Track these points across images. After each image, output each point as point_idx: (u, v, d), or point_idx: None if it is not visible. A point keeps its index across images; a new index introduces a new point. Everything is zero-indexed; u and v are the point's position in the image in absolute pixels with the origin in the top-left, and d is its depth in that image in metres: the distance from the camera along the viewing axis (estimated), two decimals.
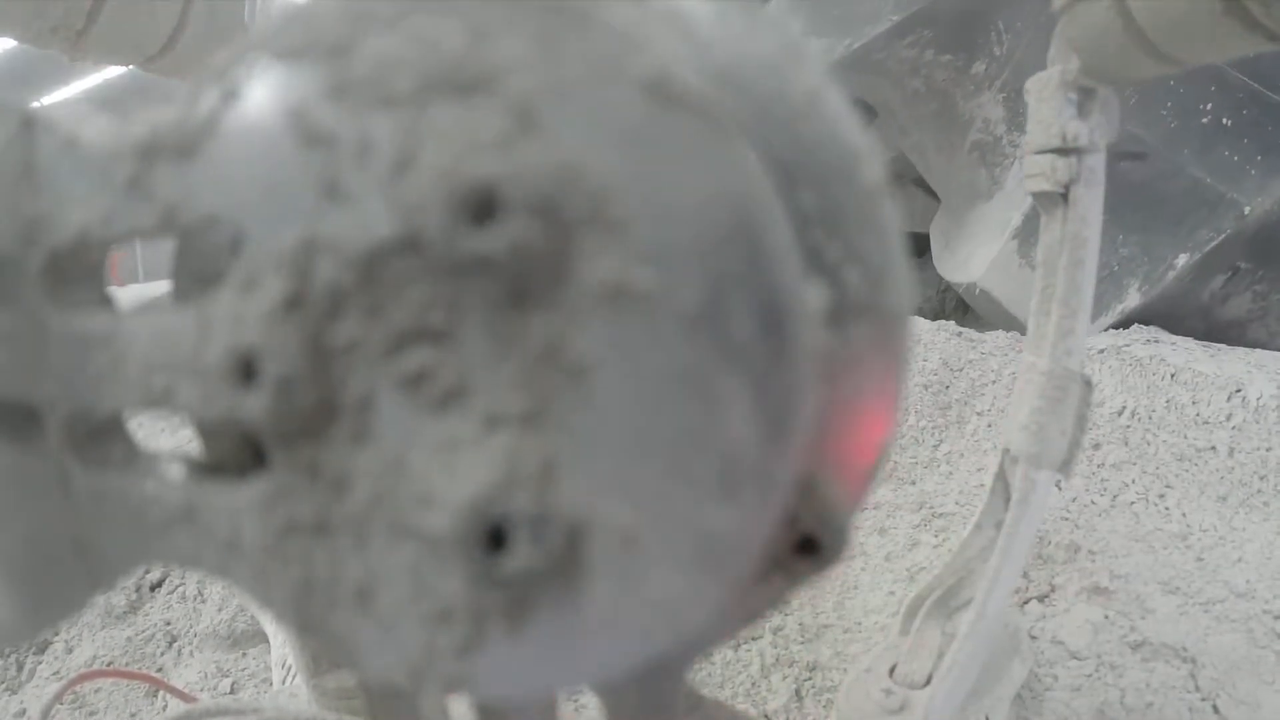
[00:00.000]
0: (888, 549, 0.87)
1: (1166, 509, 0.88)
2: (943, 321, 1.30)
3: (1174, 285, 1.20)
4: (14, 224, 0.17)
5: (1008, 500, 0.57)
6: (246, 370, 0.14)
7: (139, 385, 0.16)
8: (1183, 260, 1.18)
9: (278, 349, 0.14)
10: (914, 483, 0.99)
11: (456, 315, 0.13)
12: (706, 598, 0.14)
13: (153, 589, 1.03)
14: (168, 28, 0.57)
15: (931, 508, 0.92)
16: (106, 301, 0.17)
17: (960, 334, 1.24)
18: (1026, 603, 0.78)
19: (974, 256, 1.39)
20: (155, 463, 0.17)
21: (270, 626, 0.72)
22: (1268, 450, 0.91)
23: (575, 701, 0.63)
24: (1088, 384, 0.53)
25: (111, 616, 1.00)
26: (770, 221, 0.14)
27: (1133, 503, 0.89)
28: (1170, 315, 1.25)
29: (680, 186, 0.13)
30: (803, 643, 0.77)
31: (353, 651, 0.15)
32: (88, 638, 0.98)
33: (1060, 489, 0.91)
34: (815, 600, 0.81)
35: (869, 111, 1.59)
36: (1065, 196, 0.53)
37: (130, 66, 0.60)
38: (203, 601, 0.99)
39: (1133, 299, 1.22)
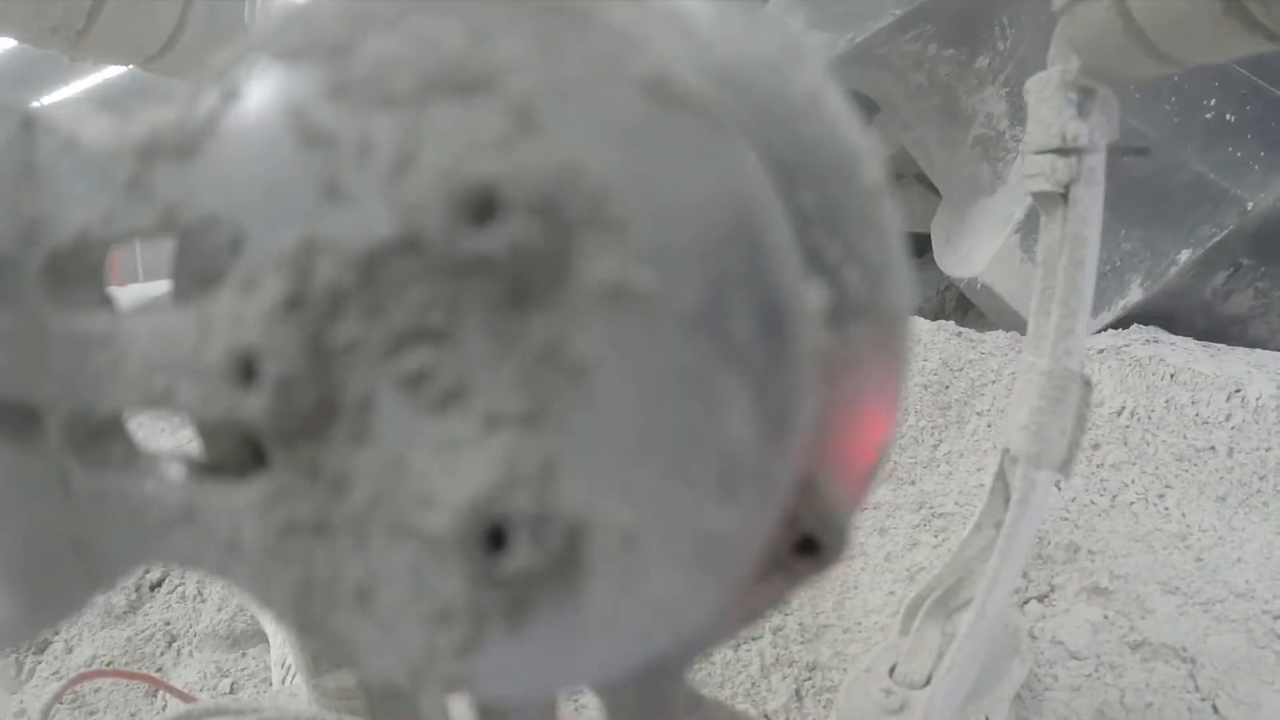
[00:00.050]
0: (888, 549, 0.87)
1: (1166, 509, 0.88)
2: (943, 321, 1.30)
3: (1176, 281, 1.20)
4: (14, 224, 0.17)
5: (1007, 500, 0.57)
6: (246, 370, 0.14)
7: (139, 385, 0.16)
8: (1185, 256, 1.18)
9: (278, 349, 0.14)
10: (914, 483, 0.99)
11: (456, 315, 0.13)
12: (706, 598, 0.14)
13: (152, 589, 1.03)
14: (168, 28, 0.57)
15: (931, 508, 0.92)
16: (106, 301, 0.17)
17: (960, 334, 1.24)
18: (1026, 603, 0.78)
19: (976, 251, 1.38)
20: (155, 463, 0.17)
21: (270, 626, 0.72)
22: (1267, 450, 0.91)
23: (575, 701, 0.63)
24: (1087, 384, 0.53)
25: (111, 616, 1.00)
26: (770, 221, 0.14)
27: (1132, 503, 0.89)
28: (1172, 311, 1.24)
29: (680, 186, 0.13)
30: (803, 643, 0.77)
31: (353, 651, 0.15)
32: (87, 637, 0.98)
33: (1060, 489, 0.91)
34: (815, 600, 0.81)
35: (871, 106, 1.59)
36: (1065, 196, 0.53)
37: (130, 66, 0.60)
38: (202, 601, 0.99)
39: (1135, 294, 1.21)
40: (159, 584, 1.03)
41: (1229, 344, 1.20)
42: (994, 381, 1.12)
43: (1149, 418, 0.99)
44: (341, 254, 0.13)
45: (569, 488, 0.13)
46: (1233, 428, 0.94)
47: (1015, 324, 1.30)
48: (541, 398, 0.13)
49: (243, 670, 0.89)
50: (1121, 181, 1.16)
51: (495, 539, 0.13)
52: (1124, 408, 1.01)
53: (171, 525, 0.16)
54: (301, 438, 0.14)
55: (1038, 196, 0.54)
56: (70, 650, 0.97)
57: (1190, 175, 1.16)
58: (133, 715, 0.86)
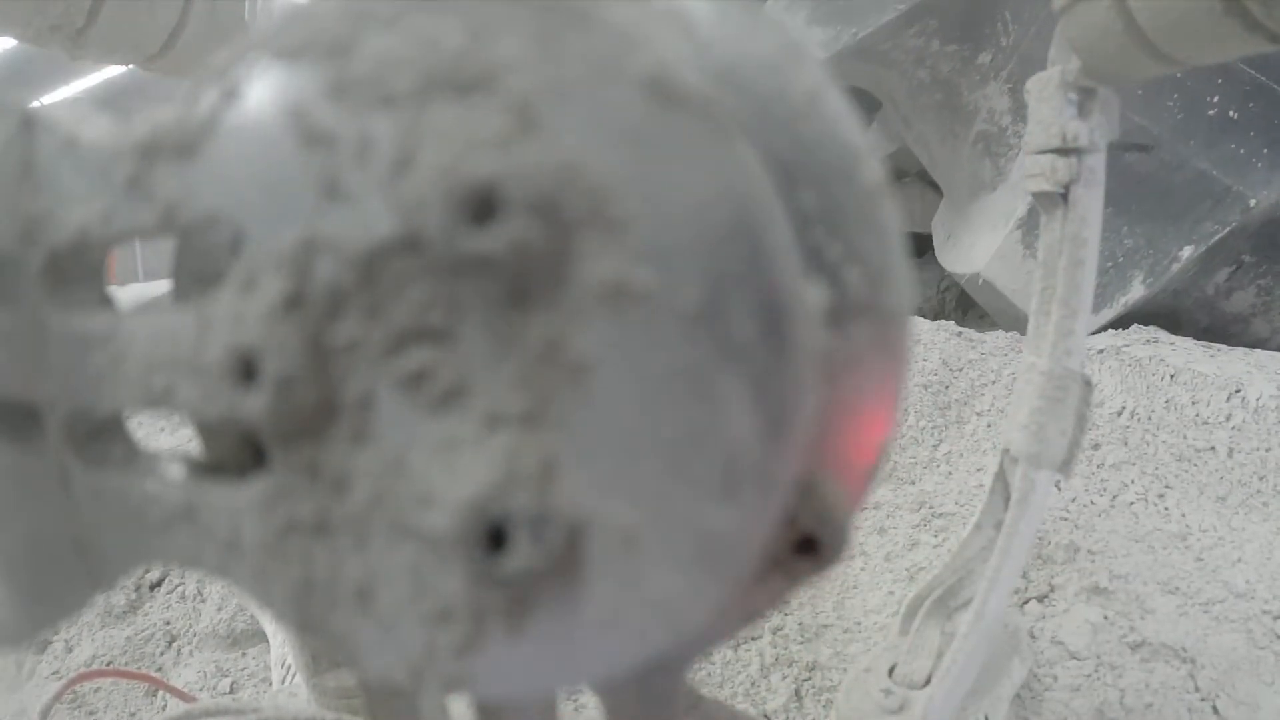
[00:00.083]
0: (887, 549, 0.87)
1: (1166, 509, 0.88)
2: (943, 321, 1.30)
3: (1178, 278, 1.20)
4: (14, 223, 0.17)
5: (1007, 500, 0.57)
6: (246, 370, 0.14)
7: (139, 385, 0.16)
8: (1187, 253, 1.18)
9: (278, 348, 0.14)
10: (914, 483, 0.99)
11: (456, 315, 0.13)
12: (706, 598, 0.14)
13: (152, 589, 1.03)
14: (168, 27, 0.57)
15: (931, 508, 0.92)
16: (106, 301, 0.17)
17: (960, 334, 1.24)
18: (1026, 603, 0.78)
19: (977, 247, 1.38)
20: (155, 462, 0.17)
21: (270, 626, 0.72)
22: (1267, 451, 0.91)
23: (575, 701, 0.63)
24: (1088, 384, 0.53)
25: (111, 616, 1.00)
26: (770, 221, 0.14)
27: (1132, 503, 0.89)
28: (1174, 308, 1.24)
29: (680, 186, 0.13)
30: (802, 643, 0.77)
31: (353, 651, 0.15)
32: (87, 637, 0.98)
33: (1060, 489, 0.91)
34: (815, 600, 0.81)
35: (873, 103, 1.58)
36: (1065, 197, 0.53)
37: (130, 66, 0.60)
38: (202, 601, 0.99)
39: (1137, 291, 1.21)
40: (159, 584, 1.03)
41: (1231, 341, 1.20)
42: (994, 381, 1.12)
43: (1149, 418, 0.99)
44: (341, 253, 0.13)
45: (569, 487, 0.13)
46: (1233, 428, 0.94)
47: (1016, 320, 1.29)
48: (541, 397, 0.13)
49: (243, 670, 0.89)
50: (1124, 178, 1.16)
51: (495, 539, 0.13)
52: (1124, 408, 1.01)
53: (171, 525, 0.16)
54: (301, 437, 0.14)
55: (1038, 197, 0.54)
56: (70, 650, 0.97)
57: (1193, 172, 1.16)
58: (132, 715, 0.86)
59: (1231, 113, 1.15)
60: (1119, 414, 1.01)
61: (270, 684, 0.76)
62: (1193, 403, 0.98)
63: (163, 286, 0.18)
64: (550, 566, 0.13)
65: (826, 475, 0.16)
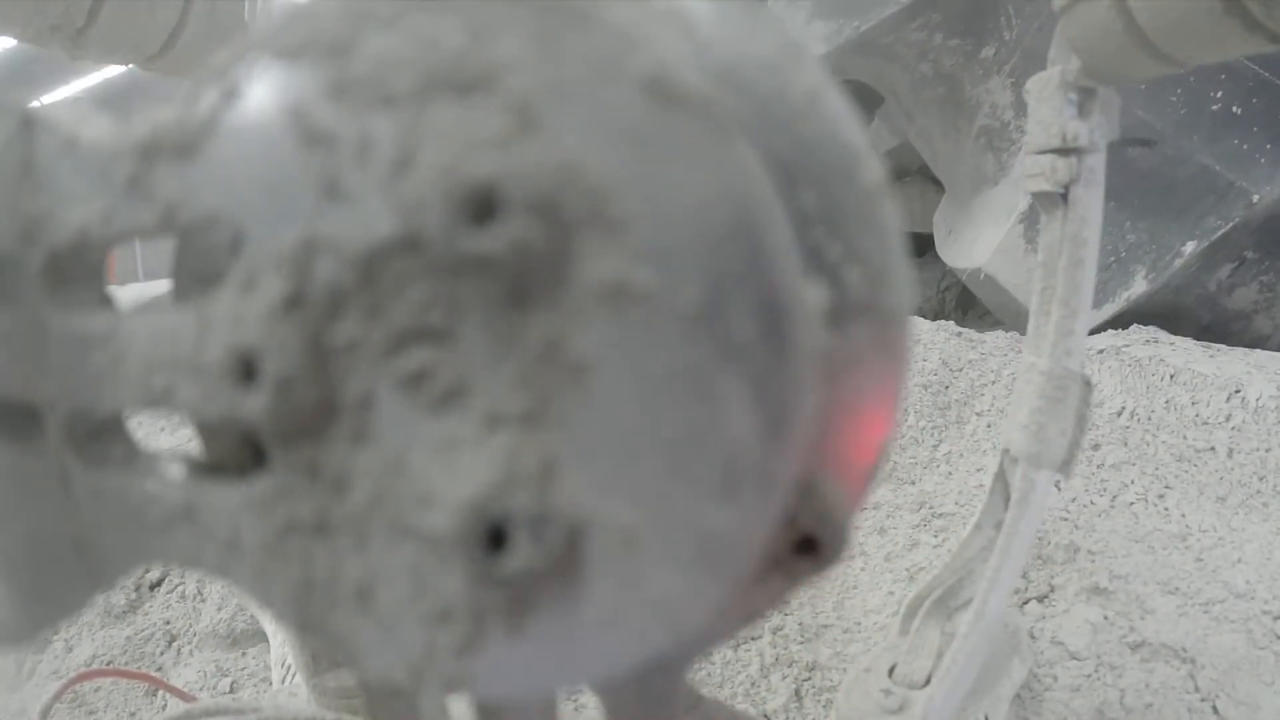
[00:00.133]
0: (887, 549, 0.87)
1: (1166, 509, 0.88)
2: (943, 321, 1.30)
3: (1181, 273, 1.20)
4: (14, 223, 0.17)
5: (1007, 500, 0.57)
6: (246, 370, 0.14)
7: (139, 385, 0.16)
8: (1190, 248, 1.17)
9: (277, 348, 0.14)
10: (914, 483, 0.99)
11: (456, 315, 0.13)
12: (706, 598, 0.14)
13: (152, 588, 1.03)
14: (168, 27, 0.57)
15: (931, 508, 0.92)
16: (106, 301, 0.17)
17: (960, 334, 1.24)
18: (1026, 603, 0.78)
19: (979, 242, 1.37)
20: (155, 462, 0.17)
21: (270, 626, 0.72)
22: (1267, 451, 0.91)
23: (575, 701, 0.63)
24: (1088, 384, 0.53)
25: (111, 616, 1.00)
26: (770, 221, 0.14)
27: (1132, 503, 0.89)
28: (1176, 305, 1.24)
29: (680, 186, 0.13)
30: (802, 643, 0.77)
31: (353, 651, 0.15)
32: (87, 637, 0.98)
33: (1060, 489, 0.91)
34: (815, 600, 0.81)
35: (875, 97, 1.58)
36: (1065, 197, 0.53)
37: (130, 65, 0.60)
38: (202, 601, 0.99)
39: (1139, 286, 1.21)
40: (159, 583, 1.03)
41: (1232, 338, 1.20)
42: (994, 381, 1.12)
43: (1149, 418, 0.99)
44: (341, 253, 0.13)
45: (569, 487, 0.13)
46: (1233, 428, 0.94)
47: (1018, 315, 1.29)
48: (541, 397, 0.13)
49: (242, 670, 0.89)
50: (1127, 173, 1.15)
51: (495, 539, 0.13)
52: (1124, 408, 1.01)
53: (171, 525, 0.16)
54: (301, 437, 0.14)
55: (1037, 197, 0.54)
56: (70, 649, 0.97)
57: (1196, 167, 1.16)
58: (132, 715, 0.86)
59: (1235, 108, 1.15)
60: (1119, 414, 1.01)
61: (270, 684, 0.76)
62: (1192, 403, 0.98)
63: (163, 286, 0.18)
64: (550, 566, 0.13)
65: (826, 475, 0.16)
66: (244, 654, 0.92)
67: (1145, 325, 1.20)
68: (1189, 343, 1.14)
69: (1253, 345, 1.17)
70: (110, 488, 0.17)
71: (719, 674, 0.75)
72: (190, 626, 0.97)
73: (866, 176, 0.17)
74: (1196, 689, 0.68)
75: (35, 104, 0.18)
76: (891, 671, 0.60)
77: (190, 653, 0.94)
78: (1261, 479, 0.89)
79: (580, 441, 0.13)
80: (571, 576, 0.13)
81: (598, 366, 0.13)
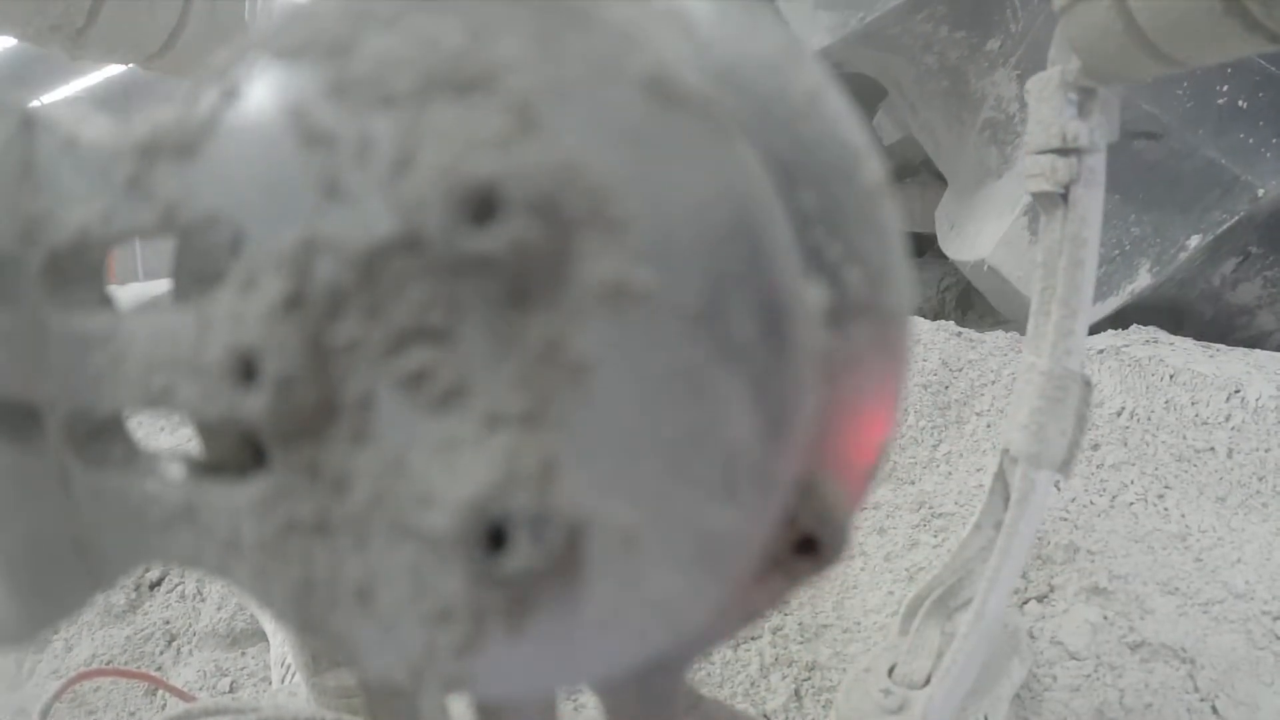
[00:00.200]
0: (887, 549, 0.87)
1: (1165, 510, 0.88)
2: (943, 321, 1.30)
3: (1185, 267, 1.19)
4: (14, 223, 0.17)
5: (1007, 500, 0.57)
6: (246, 370, 0.14)
7: (139, 385, 0.16)
8: (1195, 242, 1.17)
9: (277, 348, 0.14)
10: (913, 483, 0.99)
11: (456, 315, 0.13)
12: (706, 597, 0.14)
13: (152, 588, 1.03)
14: (168, 26, 0.57)
15: (931, 508, 0.92)
16: (106, 301, 0.17)
17: (960, 334, 1.24)
18: (1026, 603, 0.78)
19: (982, 234, 1.37)
20: (155, 462, 0.17)
21: (269, 625, 0.72)
22: (1266, 451, 0.91)
23: (575, 701, 0.63)
24: (1087, 384, 0.53)
25: (111, 615, 1.00)
26: (770, 221, 0.14)
27: (1132, 503, 0.89)
28: (1179, 299, 1.24)
29: (680, 186, 0.13)
30: (802, 642, 0.77)
31: (353, 651, 0.15)
32: (87, 636, 0.98)
33: (1059, 489, 0.91)
34: (815, 600, 0.81)
35: (877, 92, 1.57)
36: (1065, 197, 0.53)
37: (130, 65, 0.60)
38: (202, 600, 0.99)
39: (1144, 279, 1.20)
40: (159, 583, 1.03)
41: (1236, 333, 1.20)
42: (994, 381, 1.12)
43: (1149, 418, 0.99)
44: (341, 253, 0.13)
45: (569, 487, 0.13)
46: (1232, 428, 0.94)
47: (1021, 308, 1.28)
48: (541, 397, 0.13)
49: (242, 669, 0.89)
50: (1133, 165, 1.15)
51: (495, 539, 0.13)
52: (1124, 408, 1.01)
53: (171, 524, 0.16)
54: (301, 437, 0.14)
55: (1038, 197, 0.54)
56: (70, 649, 0.97)
57: (1201, 161, 1.15)
58: (132, 714, 0.86)
59: (1241, 102, 1.14)
60: (1119, 414, 1.01)
61: (270, 684, 0.76)
62: (1192, 403, 0.99)
63: (163, 286, 0.18)
64: (550, 566, 0.13)
65: (826, 475, 0.16)
66: (244, 654, 0.92)
67: (1145, 325, 1.20)
68: (1189, 343, 1.14)
69: (1256, 341, 1.17)
70: (110, 487, 0.17)
71: (719, 674, 0.75)
72: (190, 626, 0.97)
73: (867, 176, 0.17)
74: (1196, 689, 0.68)
75: (35, 104, 0.18)
76: (891, 671, 0.60)
77: (190, 652, 0.94)
78: (1261, 479, 0.89)
79: (580, 441, 0.13)
80: (571, 576, 0.13)
81: (598, 366, 0.13)
